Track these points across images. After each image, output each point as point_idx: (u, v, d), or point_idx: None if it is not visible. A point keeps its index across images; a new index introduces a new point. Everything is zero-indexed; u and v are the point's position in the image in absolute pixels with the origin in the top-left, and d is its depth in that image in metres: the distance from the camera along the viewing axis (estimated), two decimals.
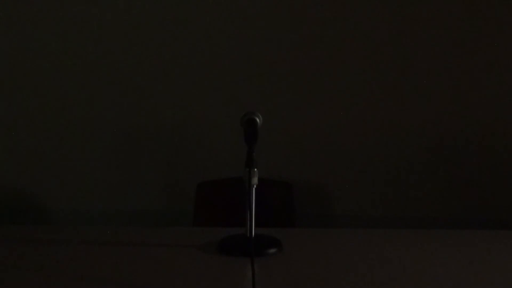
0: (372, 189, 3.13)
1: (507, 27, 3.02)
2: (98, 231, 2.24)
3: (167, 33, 3.09)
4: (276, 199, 2.83)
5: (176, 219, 3.02)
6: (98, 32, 3.10)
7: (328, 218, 3.14)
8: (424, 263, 1.92)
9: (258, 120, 2.00)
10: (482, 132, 3.07)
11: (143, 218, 3.12)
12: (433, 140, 3.10)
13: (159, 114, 3.13)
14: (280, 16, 3.06)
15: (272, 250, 1.98)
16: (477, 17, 3.02)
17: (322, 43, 3.06)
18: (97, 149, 3.16)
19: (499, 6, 3.00)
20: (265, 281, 1.78)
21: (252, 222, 1.96)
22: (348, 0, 3.03)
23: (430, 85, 3.06)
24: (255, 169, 1.88)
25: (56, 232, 2.28)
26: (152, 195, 3.18)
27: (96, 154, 3.16)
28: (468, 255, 2.01)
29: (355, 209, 3.13)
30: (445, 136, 3.09)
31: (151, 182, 3.17)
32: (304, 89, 3.09)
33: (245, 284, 1.78)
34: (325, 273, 1.85)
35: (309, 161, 3.12)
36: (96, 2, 3.08)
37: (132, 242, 2.09)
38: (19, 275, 1.82)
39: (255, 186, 1.91)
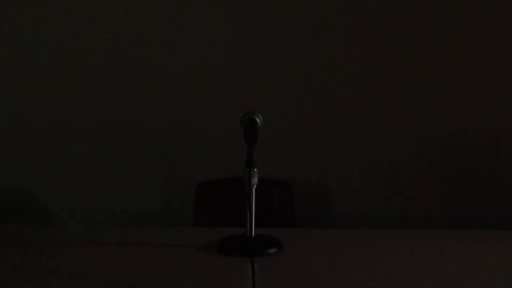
0: (372, 189, 3.13)
1: (507, 27, 3.02)
2: (98, 231, 2.24)
3: (167, 33, 3.09)
4: (276, 199, 2.83)
5: (176, 219, 3.02)
6: (97, 32, 3.09)
7: (328, 218, 3.13)
8: (424, 263, 1.92)
9: (258, 120, 2.00)
10: (482, 132, 3.07)
11: (143, 218, 3.12)
12: (433, 140, 3.09)
13: (159, 114, 3.13)
14: (280, 16, 3.06)
15: (272, 250, 1.98)
16: (477, 17, 3.02)
17: (322, 43, 3.06)
18: (97, 149, 3.16)
19: (499, 6, 2.99)
20: (265, 281, 1.78)
21: (252, 222, 1.96)
22: (348, 0, 3.04)
23: (430, 85, 3.06)
24: (255, 169, 1.88)
25: (56, 232, 2.28)
26: (152, 195, 3.17)
27: (96, 154, 3.16)
28: (468, 255, 2.01)
29: (355, 209, 3.13)
30: (445, 136, 3.09)
31: (151, 182, 3.17)
32: (304, 89, 3.09)
33: (245, 284, 1.78)
34: (325, 273, 1.85)
35: (309, 161, 3.12)
36: (96, 2, 3.08)
37: (132, 242, 2.09)
38: (19, 275, 1.82)
39: (255, 186, 1.91)
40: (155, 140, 3.15)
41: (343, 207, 3.14)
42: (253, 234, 1.96)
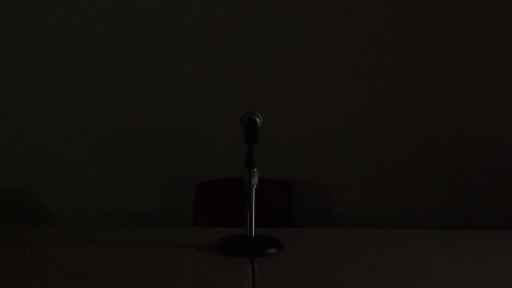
0: (372, 189, 3.13)
1: (507, 27, 3.02)
2: (98, 231, 2.24)
3: (168, 33, 3.09)
4: (276, 199, 2.83)
5: (176, 219, 3.02)
6: (98, 32, 3.09)
7: (328, 218, 3.14)
8: (424, 263, 1.92)
9: (258, 120, 2.00)
10: (482, 132, 3.07)
11: (143, 218, 3.12)
12: (433, 140, 3.10)
13: (159, 114, 3.13)
14: (280, 16, 3.06)
15: (272, 250, 1.98)
16: (477, 17, 3.02)
17: (322, 43, 3.06)
18: (97, 149, 3.16)
19: (499, 6, 3.00)
20: (265, 281, 1.78)
21: (252, 222, 1.95)
22: (348, 0, 3.04)
23: (430, 85, 3.06)
24: (255, 169, 1.88)
25: (56, 232, 2.28)
26: (152, 195, 3.17)
27: (96, 154, 3.16)
28: (468, 255, 2.01)
29: (355, 209, 3.13)
30: (445, 136, 3.09)
31: (151, 182, 3.17)
32: (304, 89, 3.09)
33: (245, 284, 1.78)
34: (325, 273, 1.85)
35: (309, 161, 3.13)
36: (96, 2, 3.08)
37: (132, 242, 2.09)
38: (19, 275, 1.82)
39: (255, 186, 1.90)
40: (155, 140, 3.15)
41: (343, 207, 3.14)
42: (253, 234, 1.96)
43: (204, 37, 3.08)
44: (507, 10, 3.00)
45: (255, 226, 1.96)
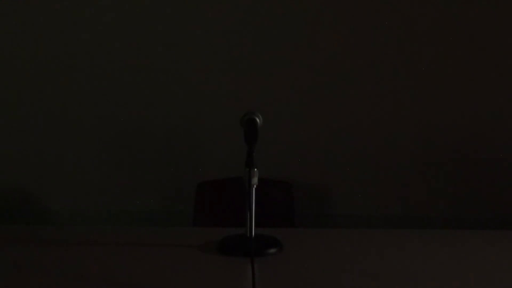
0: (372, 189, 3.13)
1: (507, 27, 3.02)
2: (98, 231, 2.24)
3: (167, 33, 3.09)
4: (276, 199, 2.83)
5: (176, 219, 3.02)
6: (98, 32, 3.10)
7: (328, 218, 3.14)
8: (424, 263, 1.92)
9: (258, 120, 2.00)
10: (482, 132, 3.07)
11: (143, 218, 3.12)
12: (433, 140, 3.10)
13: (159, 114, 3.13)
14: (280, 16, 3.06)
15: (272, 250, 1.98)
16: (478, 17, 3.02)
17: (321, 43, 3.06)
18: (97, 149, 3.16)
19: (499, 6, 3.00)
20: (265, 281, 1.78)
21: (252, 222, 1.95)
22: (348, 1, 3.04)
23: (430, 85, 3.06)
24: (255, 169, 1.88)
25: (56, 232, 2.28)
26: (152, 195, 3.17)
27: (96, 154, 3.16)
28: (468, 255, 2.01)
29: (355, 209, 3.13)
30: (445, 136, 3.09)
31: (151, 182, 3.17)
32: (304, 89, 3.09)
33: (245, 284, 1.78)
34: (325, 273, 1.85)
35: (309, 161, 3.13)
36: (96, 2, 3.08)
37: (132, 242, 2.09)
38: (19, 275, 1.82)
39: (255, 186, 1.90)
40: (155, 140, 3.15)
41: (343, 207, 3.14)
42: (253, 234, 1.96)
43: (204, 37, 3.08)
44: (507, 10, 3.00)
45: (255, 226, 1.96)
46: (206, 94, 3.11)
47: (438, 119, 3.08)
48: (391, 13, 3.03)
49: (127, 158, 3.17)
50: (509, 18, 3.01)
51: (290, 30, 3.06)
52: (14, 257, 1.96)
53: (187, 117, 3.13)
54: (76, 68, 3.11)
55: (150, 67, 3.11)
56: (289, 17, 3.06)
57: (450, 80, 3.06)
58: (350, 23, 3.05)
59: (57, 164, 3.17)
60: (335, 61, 3.07)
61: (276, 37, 3.07)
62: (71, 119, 3.14)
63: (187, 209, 2.85)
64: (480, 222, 3.02)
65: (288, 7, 3.05)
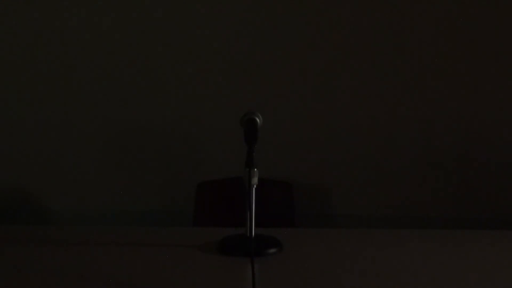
0: (372, 189, 3.13)
1: (507, 27, 3.02)
2: (98, 231, 2.24)
3: (167, 33, 3.09)
4: (276, 199, 2.83)
5: (176, 219, 3.02)
6: (98, 32, 3.09)
7: (328, 218, 3.14)
8: (424, 263, 1.92)
9: (258, 120, 2.00)
10: (482, 132, 3.07)
11: (143, 218, 3.12)
12: (433, 140, 3.10)
13: (159, 114, 3.13)
14: (280, 16, 3.06)
15: (272, 250, 1.98)
16: (478, 17, 3.02)
17: (322, 43, 3.06)
18: (97, 149, 3.16)
19: (499, 6, 3.00)
20: (265, 281, 1.78)
21: (252, 222, 1.95)
22: (348, 1, 3.04)
23: (429, 85, 3.06)
24: (255, 169, 1.88)
25: (56, 232, 2.28)
26: (152, 195, 3.17)
27: (96, 154, 3.16)
28: (468, 255, 2.01)
29: (355, 209, 3.13)
30: (445, 137, 3.09)
31: (151, 182, 3.17)
32: (304, 89, 3.10)
33: (245, 284, 1.78)
34: (325, 273, 1.85)
35: (309, 161, 3.12)
36: (96, 2, 3.08)
37: (132, 242, 2.09)
38: (19, 275, 1.82)
39: (255, 186, 1.90)
40: (155, 140, 3.15)
41: (343, 207, 3.14)
42: (253, 234, 1.96)
43: (204, 37, 3.08)
44: (507, 10, 3.00)
45: (255, 226, 1.96)
46: (206, 94, 3.11)
47: (438, 119, 3.08)
48: (391, 13, 3.03)
49: (127, 158, 3.17)
50: (509, 18, 3.01)
51: (290, 30, 3.06)
52: (14, 257, 1.96)
53: (187, 117, 3.13)
54: (76, 68, 3.11)
55: (150, 67, 3.11)
56: (289, 17, 3.06)
57: (450, 80, 3.06)
58: (350, 23, 3.05)
59: (57, 164, 3.17)
60: (335, 61, 3.07)
61: (276, 37, 3.07)
62: (71, 119, 3.14)
63: (187, 209, 2.85)
64: (480, 222, 3.02)
65: (288, 7, 3.05)
